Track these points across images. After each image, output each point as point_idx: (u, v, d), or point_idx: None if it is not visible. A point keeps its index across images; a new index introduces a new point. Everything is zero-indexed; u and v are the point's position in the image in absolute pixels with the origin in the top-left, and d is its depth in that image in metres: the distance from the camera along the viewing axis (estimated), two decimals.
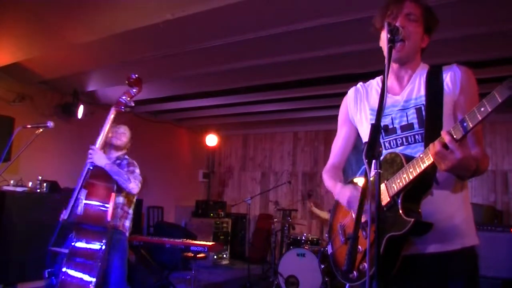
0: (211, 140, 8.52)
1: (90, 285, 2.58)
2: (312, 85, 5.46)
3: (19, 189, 5.02)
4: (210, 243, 4.13)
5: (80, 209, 2.66)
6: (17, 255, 4.48)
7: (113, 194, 2.81)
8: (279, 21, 3.61)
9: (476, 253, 1.52)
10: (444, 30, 3.60)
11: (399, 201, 1.38)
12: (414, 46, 1.54)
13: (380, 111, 1.28)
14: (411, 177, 1.34)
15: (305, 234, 5.89)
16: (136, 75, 3.03)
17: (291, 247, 5.54)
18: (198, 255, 4.34)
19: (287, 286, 5.10)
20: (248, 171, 9.01)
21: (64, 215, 2.80)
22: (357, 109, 1.73)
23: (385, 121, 1.55)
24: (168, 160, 8.15)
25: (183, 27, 3.76)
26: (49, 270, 2.79)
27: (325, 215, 6.06)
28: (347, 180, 1.81)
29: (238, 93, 5.95)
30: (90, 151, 2.89)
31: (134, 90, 3.01)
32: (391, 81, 1.62)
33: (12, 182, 5.14)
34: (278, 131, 8.64)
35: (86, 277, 2.61)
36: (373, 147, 1.22)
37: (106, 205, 2.71)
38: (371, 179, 1.23)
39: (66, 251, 2.70)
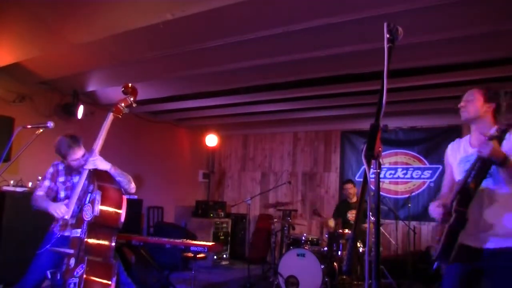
0: (211, 140, 8.51)
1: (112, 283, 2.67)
2: (312, 85, 5.46)
3: (19, 189, 5.02)
4: (210, 243, 4.12)
5: (97, 209, 2.72)
6: (17, 255, 4.48)
7: (124, 198, 2.89)
8: (279, 21, 3.61)
9: None
10: (448, 29, 3.62)
11: None
12: (473, 112, 2.31)
13: (379, 111, 1.28)
14: None
15: (305, 234, 5.89)
16: (131, 84, 3.08)
17: (291, 247, 5.53)
18: (198, 255, 4.34)
19: (287, 286, 5.10)
20: (248, 171, 9.00)
21: (66, 214, 2.84)
22: (453, 159, 2.49)
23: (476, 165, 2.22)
24: (168, 160, 8.14)
25: (183, 27, 3.76)
26: (52, 270, 2.81)
27: (332, 223, 5.94)
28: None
29: (238, 93, 5.95)
30: (90, 159, 2.89)
31: (131, 99, 3.08)
32: (475, 136, 2.36)
33: (12, 182, 5.14)
34: (278, 131, 8.64)
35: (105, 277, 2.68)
36: (372, 147, 1.22)
37: (120, 210, 2.83)
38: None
39: (71, 251, 2.72)
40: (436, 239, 2.31)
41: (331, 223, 5.84)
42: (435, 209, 2.29)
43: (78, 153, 3.12)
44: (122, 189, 2.99)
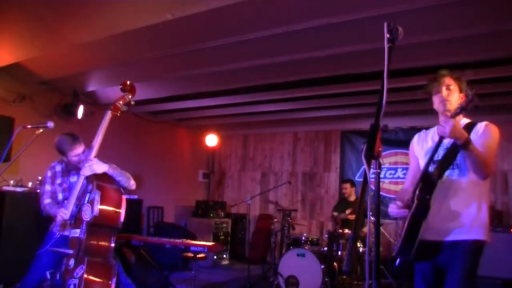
0: (211, 140, 8.51)
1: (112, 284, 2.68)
2: (312, 85, 5.46)
3: (19, 189, 5.02)
4: (210, 243, 4.11)
5: (96, 209, 2.71)
6: (17, 255, 4.48)
7: (124, 197, 2.89)
8: (279, 21, 3.61)
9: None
10: (448, 29, 3.62)
11: None
12: (454, 103, 2.21)
13: (379, 111, 1.29)
14: None
15: (305, 234, 5.89)
16: (129, 82, 3.07)
17: (291, 247, 5.54)
18: (198, 255, 4.34)
19: (287, 286, 5.10)
20: (248, 171, 9.00)
21: (65, 215, 2.84)
22: (420, 149, 2.42)
23: (440, 154, 2.18)
24: (168, 160, 8.14)
25: (183, 27, 3.76)
26: (52, 270, 2.81)
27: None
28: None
29: (238, 93, 5.95)
30: (86, 164, 2.86)
31: (130, 96, 3.06)
32: None
33: (12, 182, 5.14)
34: (278, 131, 8.63)
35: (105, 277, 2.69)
36: (372, 147, 1.22)
37: (120, 209, 2.83)
38: None
39: (70, 251, 2.72)
40: (398, 233, 2.19)
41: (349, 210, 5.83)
42: (395, 209, 2.17)
43: (79, 149, 3.12)
44: (122, 188, 2.99)
